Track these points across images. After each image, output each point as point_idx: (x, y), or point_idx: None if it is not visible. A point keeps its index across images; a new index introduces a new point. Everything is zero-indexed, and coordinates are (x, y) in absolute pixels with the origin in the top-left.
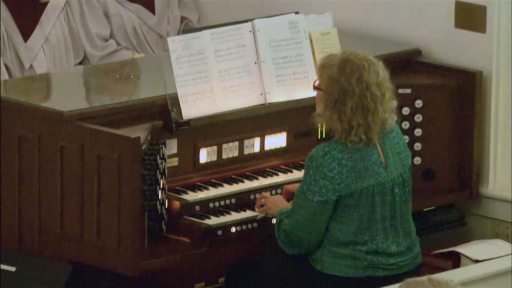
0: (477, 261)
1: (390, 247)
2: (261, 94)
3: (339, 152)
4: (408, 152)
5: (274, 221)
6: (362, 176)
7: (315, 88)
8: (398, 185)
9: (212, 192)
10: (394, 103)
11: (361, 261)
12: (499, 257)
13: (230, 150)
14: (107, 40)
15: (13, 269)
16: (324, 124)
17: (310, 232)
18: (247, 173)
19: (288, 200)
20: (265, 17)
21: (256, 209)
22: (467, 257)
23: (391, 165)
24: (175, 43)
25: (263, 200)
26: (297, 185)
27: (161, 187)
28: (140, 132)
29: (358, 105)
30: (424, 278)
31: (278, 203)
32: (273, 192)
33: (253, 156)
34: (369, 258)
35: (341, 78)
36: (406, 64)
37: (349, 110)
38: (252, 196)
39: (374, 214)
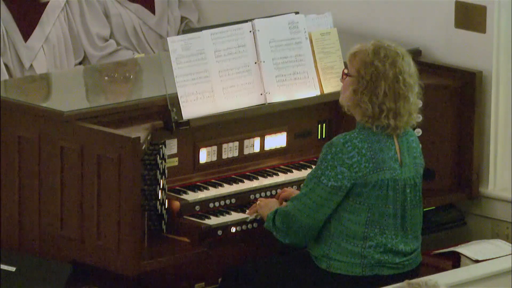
0: (477, 261)
1: (399, 245)
2: (261, 94)
3: (359, 141)
4: (423, 162)
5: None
6: (379, 168)
7: (344, 75)
8: (410, 187)
9: (212, 192)
10: (420, 103)
11: (368, 260)
12: (499, 257)
13: (230, 150)
14: (107, 40)
15: (13, 269)
16: (349, 109)
17: (313, 217)
18: (247, 173)
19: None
20: (265, 17)
21: (247, 211)
22: (467, 257)
23: (406, 165)
24: (175, 43)
25: (257, 202)
26: (293, 190)
27: (161, 187)
28: (140, 132)
29: (391, 89)
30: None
31: (270, 205)
32: (273, 192)
33: (253, 156)
34: (377, 257)
35: (375, 61)
36: None
37: (382, 93)
38: (252, 196)
39: (386, 208)
